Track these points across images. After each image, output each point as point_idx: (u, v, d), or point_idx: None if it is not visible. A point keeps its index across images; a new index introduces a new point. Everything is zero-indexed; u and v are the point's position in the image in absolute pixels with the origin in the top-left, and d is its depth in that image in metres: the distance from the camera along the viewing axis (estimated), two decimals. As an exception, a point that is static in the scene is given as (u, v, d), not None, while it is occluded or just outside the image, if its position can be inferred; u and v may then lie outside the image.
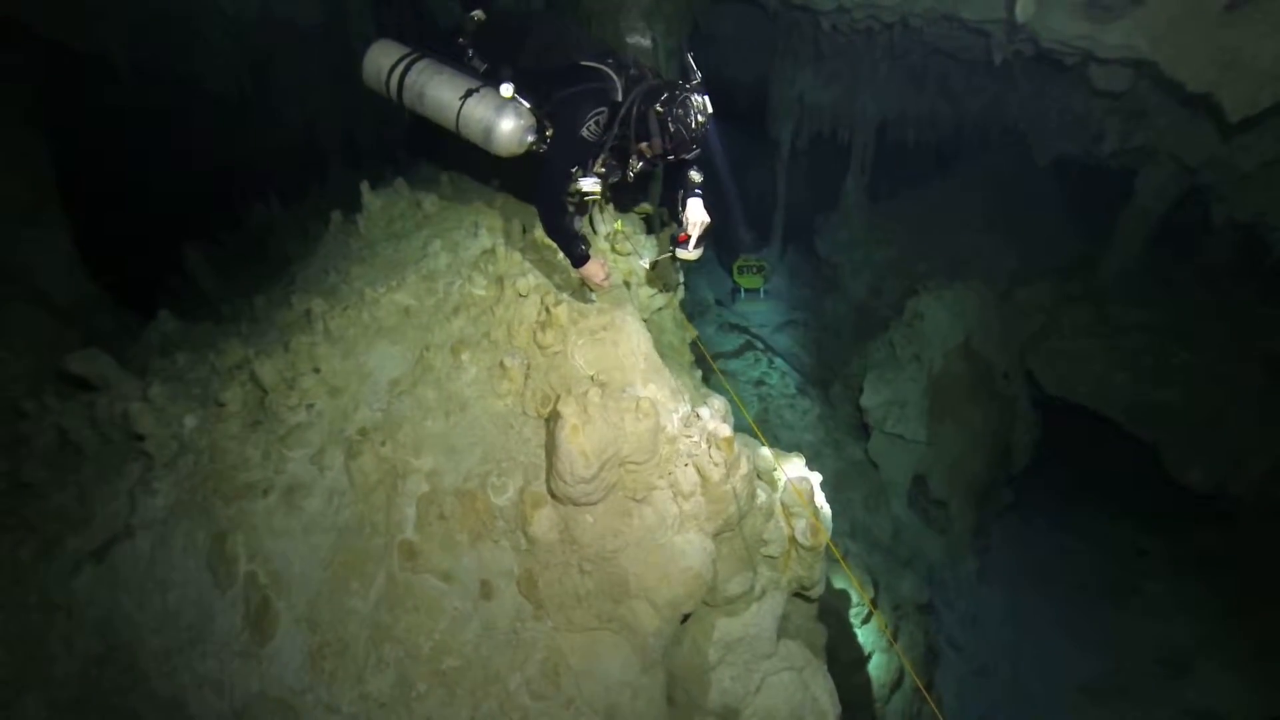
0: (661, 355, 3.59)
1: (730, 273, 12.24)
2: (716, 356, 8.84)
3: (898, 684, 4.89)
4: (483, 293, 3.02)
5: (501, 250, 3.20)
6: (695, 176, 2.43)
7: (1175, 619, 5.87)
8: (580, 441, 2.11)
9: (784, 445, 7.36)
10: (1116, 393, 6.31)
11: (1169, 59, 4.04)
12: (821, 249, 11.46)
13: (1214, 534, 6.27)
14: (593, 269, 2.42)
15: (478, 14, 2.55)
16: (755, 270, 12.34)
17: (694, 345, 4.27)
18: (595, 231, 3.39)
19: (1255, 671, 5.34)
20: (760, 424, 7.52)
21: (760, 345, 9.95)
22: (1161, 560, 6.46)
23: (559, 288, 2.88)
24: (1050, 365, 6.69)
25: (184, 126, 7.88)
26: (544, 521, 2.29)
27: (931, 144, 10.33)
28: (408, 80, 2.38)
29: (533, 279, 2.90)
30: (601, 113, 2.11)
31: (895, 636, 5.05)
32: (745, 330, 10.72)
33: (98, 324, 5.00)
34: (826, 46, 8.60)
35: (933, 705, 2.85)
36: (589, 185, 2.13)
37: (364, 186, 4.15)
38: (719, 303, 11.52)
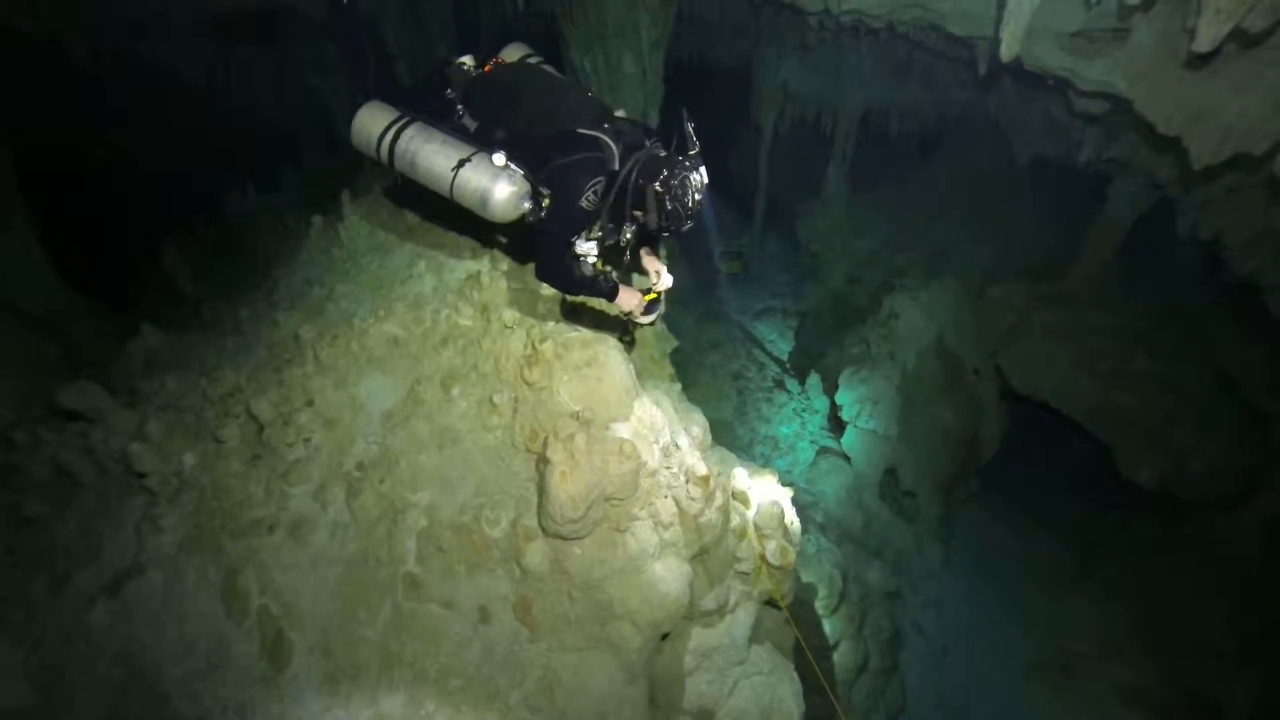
0: (643, 373, 3.74)
1: (712, 258, 12.34)
2: (696, 348, 9.00)
3: (863, 667, 5.31)
4: (469, 323, 3.11)
5: (486, 277, 3.27)
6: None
7: (1115, 604, 6.42)
8: (569, 487, 2.27)
9: (760, 438, 7.68)
10: (1079, 394, 6.68)
11: (1144, 100, 4.18)
12: (802, 236, 11.56)
13: (1157, 528, 6.81)
14: (625, 300, 2.37)
15: (467, 61, 2.48)
16: (735, 255, 12.48)
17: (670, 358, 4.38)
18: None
19: (1182, 652, 5.92)
20: (738, 418, 7.77)
21: (740, 335, 10.15)
22: (1109, 550, 6.99)
23: (542, 317, 2.97)
24: (1019, 364, 7.00)
25: (150, 116, 7.58)
26: (536, 554, 2.47)
27: (914, 135, 10.39)
28: (398, 149, 2.33)
29: (517, 309, 2.99)
30: (599, 182, 2.09)
31: (862, 624, 5.43)
32: (726, 317, 10.90)
33: (75, 332, 4.94)
34: (811, 39, 8.55)
35: (838, 706, 3.16)
36: (584, 249, 2.15)
37: (344, 196, 4.12)
38: (700, 289, 11.63)
